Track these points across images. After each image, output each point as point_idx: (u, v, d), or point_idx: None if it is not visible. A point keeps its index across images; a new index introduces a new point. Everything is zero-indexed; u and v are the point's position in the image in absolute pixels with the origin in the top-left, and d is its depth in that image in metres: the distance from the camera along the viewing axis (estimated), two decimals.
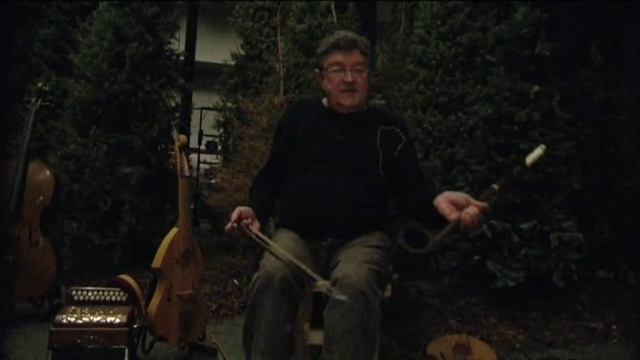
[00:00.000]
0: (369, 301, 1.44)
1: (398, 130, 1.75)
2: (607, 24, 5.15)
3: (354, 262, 1.50)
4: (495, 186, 1.49)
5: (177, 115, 3.67)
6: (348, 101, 1.71)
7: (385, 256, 1.63)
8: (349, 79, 1.67)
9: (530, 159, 1.52)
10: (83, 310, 1.94)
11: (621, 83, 3.94)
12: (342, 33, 1.75)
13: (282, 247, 1.56)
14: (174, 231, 2.06)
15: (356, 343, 1.42)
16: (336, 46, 1.70)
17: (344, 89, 1.69)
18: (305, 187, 1.67)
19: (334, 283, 1.47)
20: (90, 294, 2.03)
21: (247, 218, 1.57)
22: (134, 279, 2.18)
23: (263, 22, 5.07)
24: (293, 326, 1.52)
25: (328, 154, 1.69)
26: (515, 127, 2.93)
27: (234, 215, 1.56)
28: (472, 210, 1.43)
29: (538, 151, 1.53)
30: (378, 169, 1.68)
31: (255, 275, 1.51)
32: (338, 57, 1.69)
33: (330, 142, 1.71)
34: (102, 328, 1.89)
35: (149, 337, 2.10)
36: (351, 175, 1.66)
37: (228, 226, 1.55)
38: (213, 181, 3.93)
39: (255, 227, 1.57)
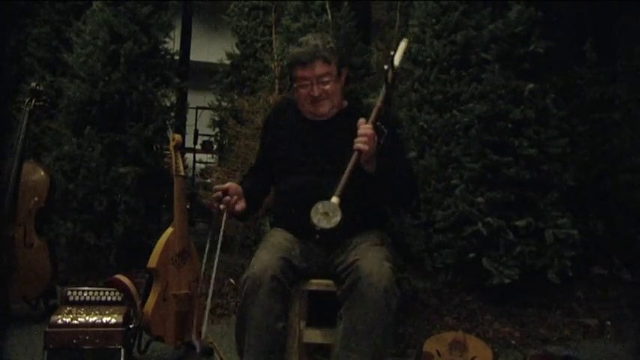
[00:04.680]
0: (390, 299, 1.44)
1: (379, 123, 1.72)
2: (601, 22, 5.17)
3: (373, 261, 1.49)
4: (379, 103, 1.58)
5: (172, 114, 3.66)
6: (319, 110, 1.72)
7: (392, 254, 1.64)
8: (315, 93, 1.68)
9: (397, 59, 1.60)
10: (79, 311, 1.94)
11: (615, 80, 3.96)
12: (305, 42, 1.71)
13: (272, 244, 1.59)
14: (169, 231, 2.06)
15: (376, 341, 1.42)
16: (298, 61, 1.69)
17: (313, 101, 1.70)
18: (293, 189, 1.69)
19: (355, 282, 1.46)
20: (85, 294, 2.03)
21: (234, 195, 1.64)
22: (130, 279, 2.17)
23: (258, 20, 5.07)
24: (284, 324, 1.52)
25: (314, 155, 1.70)
26: (509, 125, 2.94)
27: (221, 187, 1.65)
28: (359, 136, 1.50)
29: (401, 48, 1.62)
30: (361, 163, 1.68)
31: (245, 274, 1.52)
32: (300, 72, 1.69)
33: (313, 142, 1.72)
34: (98, 329, 1.88)
35: (145, 337, 2.09)
36: (334, 174, 1.63)
37: (213, 196, 1.64)
38: (208, 180, 3.92)
39: (240, 206, 1.66)
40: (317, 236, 1.44)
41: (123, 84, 3.31)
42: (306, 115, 1.77)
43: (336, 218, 1.42)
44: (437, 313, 2.81)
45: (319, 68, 1.67)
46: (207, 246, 1.70)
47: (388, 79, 1.61)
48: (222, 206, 1.63)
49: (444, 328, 2.63)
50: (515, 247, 2.83)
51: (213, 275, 1.64)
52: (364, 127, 1.52)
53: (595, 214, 3.47)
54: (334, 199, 1.46)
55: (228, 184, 1.67)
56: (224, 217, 1.64)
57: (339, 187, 1.48)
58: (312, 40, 1.71)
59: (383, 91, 1.61)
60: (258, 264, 1.52)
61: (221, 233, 1.67)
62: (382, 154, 1.68)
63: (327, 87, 1.69)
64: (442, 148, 3.51)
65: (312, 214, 1.44)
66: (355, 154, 1.50)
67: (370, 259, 1.50)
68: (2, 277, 2.37)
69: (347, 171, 1.50)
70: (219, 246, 1.67)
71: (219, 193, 1.64)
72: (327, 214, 1.43)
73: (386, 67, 1.60)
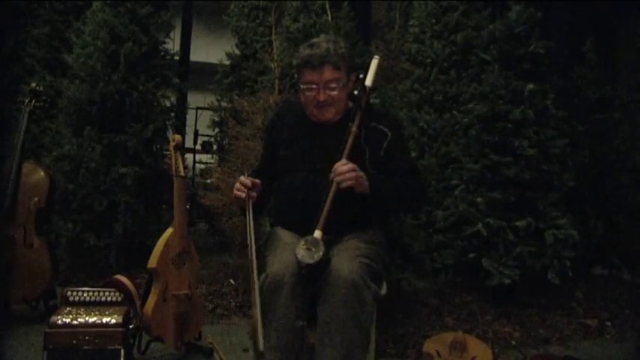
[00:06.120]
0: (361, 294, 1.45)
1: (381, 126, 1.73)
2: (601, 22, 5.17)
3: (347, 256, 1.51)
4: (354, 128, 1.59)
5: (172, 115, 3.66)
6: (323, 117, 1.72)
7: (378, 252, 1.64)
8: (322, 98, 1.67)
9: (369, 80, 1.60)
10: (78, 311, 1.93)
11: (615, 81, 3.96)
12: (316, 44, 1.69)
13: (287, 244, 1.59)
14: (169, 231, 2.06)
15: (350, 337, 1.43)
16: (307, 64, 1.67)
17: (318, 106, 1.70)
18: (294, 187, 1.70)
19: (326, 278, 1.48)
20: (85, 295, 2.03)
21: (257, 191, 1.66)
22: (130, 279, 2.17)
23: (258, 21, 5.07)
24: (304, 322, 1.53)
25: (315, 154, 1.70)
26: (509, 125, 2.94)
27: (248, 182, 1.63)
28: (335, 171, 1.53)
29: (372, 67, 1.61)
30: (365, 165, 1.68)
31: (264, 274, 1.52)
32: (309, 75, 1.68)
33: (316, 141, 1.72)
34: (97, 329, 1.88)
35: (145, 338, 2.09)
36: None
37: (238, 191, 1.63)
38: (208, 180, 3.92)
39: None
40: (302, 271, 1.47)
41: (123, 84, 3.31)
42: (309, 117, 1.77)
43: (319, 253, 1.46)
44: (437, 313, 2.81)
45: (328, 73, 1.66)
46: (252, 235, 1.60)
47: (361, 103, 1.59)
48: (250, 195, 1.63)
49: (443, 328, 2.63)
50: (515, 248, 2.83)
51: (253, 265, 1.52)
52: (340, 165, 1.53)
53: (595, 215, 3.47)
54: (317, 234, 1.49)
55: (256, 181, 1.66)
56: (250, 207, 1.63)
57: (321, 220, 1.51)
58: (324, 42, 1.69)
59: (358, 115, 1.61)
60: (278, 263, 1.51)
61: (251, 221, 1.60)
62: (387, 158, 1.69)
63: (334, 93, 1.68)
64: (442, 149, 3.51)
65: (297, 249, 1.47)
66: (334, 185, 1.53)
67: (343, 254, 1.52)
68: (2, 277, 2.37)
69: (327, 202, 1.52)
70: (251, 230, 1.58)
71: (248, 182, 1.63)
72: (309, 249, 1.46)
73: (356, 92, 1.59)
